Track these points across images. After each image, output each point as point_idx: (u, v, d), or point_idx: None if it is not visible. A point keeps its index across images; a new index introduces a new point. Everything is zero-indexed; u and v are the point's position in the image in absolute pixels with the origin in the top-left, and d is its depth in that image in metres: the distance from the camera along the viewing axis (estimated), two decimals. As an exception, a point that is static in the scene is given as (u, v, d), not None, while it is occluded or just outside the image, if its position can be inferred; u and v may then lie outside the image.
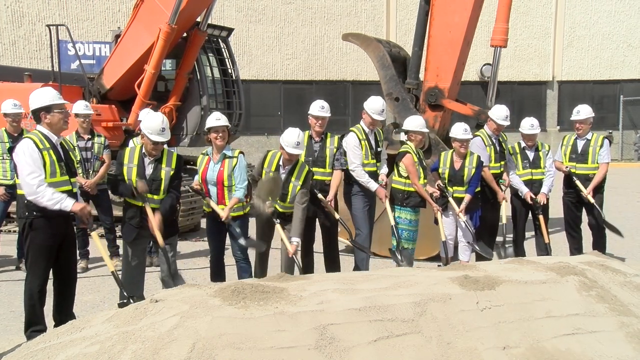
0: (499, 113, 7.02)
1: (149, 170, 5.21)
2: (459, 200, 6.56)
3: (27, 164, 4.48)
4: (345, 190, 6.59)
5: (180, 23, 9.33)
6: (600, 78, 23.36)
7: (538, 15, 22.65)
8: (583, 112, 7.20)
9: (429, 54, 8.41)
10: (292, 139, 5.63)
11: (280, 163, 5.80)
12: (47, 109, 4.64)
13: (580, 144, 7.22)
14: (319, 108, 6.23)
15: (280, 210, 5.80)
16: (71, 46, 12.76)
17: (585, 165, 7.13)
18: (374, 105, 6.40)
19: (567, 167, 7.21)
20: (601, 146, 7.11)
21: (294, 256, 5.60)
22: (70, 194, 4.74)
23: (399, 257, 6.25)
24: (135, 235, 5.23)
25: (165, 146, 5.37)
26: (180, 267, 6.52)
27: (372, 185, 6.32)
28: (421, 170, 6.52)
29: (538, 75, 23.04)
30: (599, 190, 7.17)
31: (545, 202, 7.00)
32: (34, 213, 4.58)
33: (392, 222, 6.40)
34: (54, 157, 4.64)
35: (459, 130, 6.61)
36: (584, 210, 7.31)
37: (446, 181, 6.70)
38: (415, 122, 6.60)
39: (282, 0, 20.44)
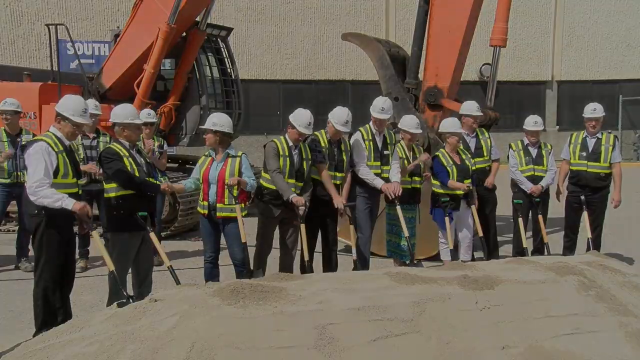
0: (465, 106, 7.24)
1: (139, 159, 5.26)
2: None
3: (36, 166, 4.58)
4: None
5: (180, 23, 9.32)
6: (599, 78, 23.33)
7: (537, 15, 22.63)
8: (599, 109, 7.08)
9: (428, 54, 8.39)
10: (305, 119, 5.77)
11: (291, 144, 5.87)
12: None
13: (591, 143, 7.14)
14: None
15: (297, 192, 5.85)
16: (70, 45, 12.74)
17: (597, 164, 7.07)
18: (375, 104, 6.45)
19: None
20: (613, 146, 7.08)
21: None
22: (76, 196, 4.85)
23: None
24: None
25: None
26: (179, 267, 6.52)
27: (378, 182, 6.32)
28: (405, 163, 6.56)
29: (537, 75, 23.02)
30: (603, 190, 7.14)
31: (538, 194, 6.96)
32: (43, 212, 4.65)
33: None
34: (67, 159, 4.80)
35: (449, 125, 6.79)
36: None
37: (455, 177, 6.69)
38: (404, 122, 6.69)
39: (282, -1, 20.48)
